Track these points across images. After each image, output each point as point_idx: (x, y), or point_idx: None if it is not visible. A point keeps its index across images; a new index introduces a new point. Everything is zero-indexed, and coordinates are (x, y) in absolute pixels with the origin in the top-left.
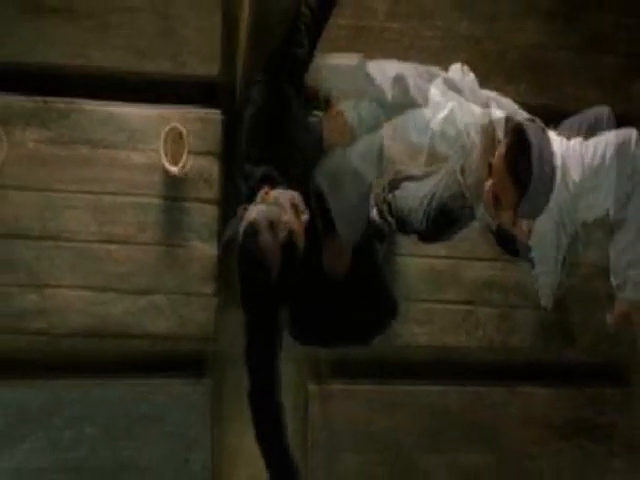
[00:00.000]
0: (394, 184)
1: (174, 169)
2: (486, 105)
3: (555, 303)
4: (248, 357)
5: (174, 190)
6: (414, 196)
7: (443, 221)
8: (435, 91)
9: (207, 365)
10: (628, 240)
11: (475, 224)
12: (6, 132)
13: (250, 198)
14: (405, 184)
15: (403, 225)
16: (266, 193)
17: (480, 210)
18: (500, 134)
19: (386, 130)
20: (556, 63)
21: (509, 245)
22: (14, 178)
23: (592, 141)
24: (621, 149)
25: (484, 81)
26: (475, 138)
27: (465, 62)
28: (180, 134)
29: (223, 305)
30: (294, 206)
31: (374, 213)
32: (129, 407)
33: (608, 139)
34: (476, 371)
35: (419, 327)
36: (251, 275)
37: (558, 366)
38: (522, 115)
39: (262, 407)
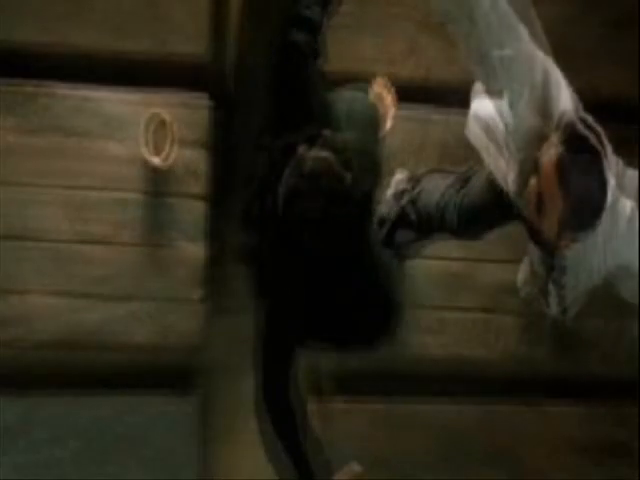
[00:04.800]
0: (417, 178)
1: (156, 160)
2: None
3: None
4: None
5: (157, 184)
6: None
7: (473, 217)
8: None
9: (194, 380)
10: None
11: None
12: None
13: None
14: (431, 179)
15: (428, 223)
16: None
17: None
18: (552, 123)
19: None
20: (584, 42)
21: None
22: None
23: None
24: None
25: None
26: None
27: None
28: (163, 121)
29: (212, 312)
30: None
31: (383, 210)
32: (105, 427)
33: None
34: (495, 386)
35: (431, 337)
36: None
37: (586, 381)
38: (577, 109)
39: (274, 400)
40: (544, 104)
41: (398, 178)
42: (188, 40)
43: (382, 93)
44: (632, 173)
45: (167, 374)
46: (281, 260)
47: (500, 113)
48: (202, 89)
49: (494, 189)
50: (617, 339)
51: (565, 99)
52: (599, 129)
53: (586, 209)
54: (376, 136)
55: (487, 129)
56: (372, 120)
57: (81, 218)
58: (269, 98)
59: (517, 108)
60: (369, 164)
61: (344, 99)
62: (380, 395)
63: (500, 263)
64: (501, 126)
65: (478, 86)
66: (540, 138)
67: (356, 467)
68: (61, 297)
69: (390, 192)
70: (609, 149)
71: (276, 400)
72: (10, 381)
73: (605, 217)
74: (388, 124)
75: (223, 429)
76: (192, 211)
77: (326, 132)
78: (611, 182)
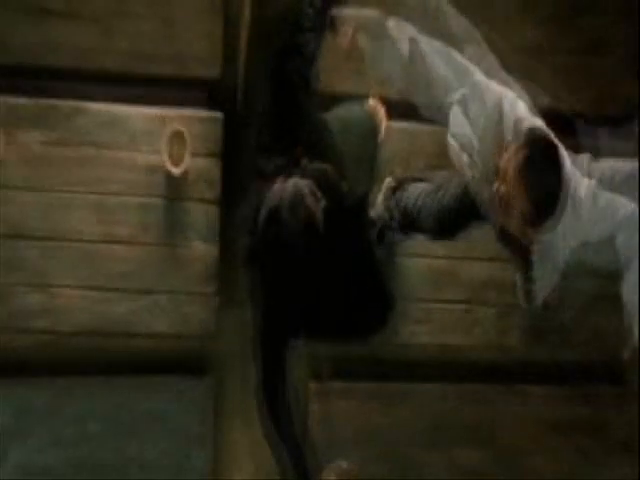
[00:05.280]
0: (403, 183)
1: (176, 170)
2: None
3: (548, 303)
4: (264, 347)
5: (176, 191)
6: (425, 195)
7: (452, 220)
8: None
9: (208, 363)
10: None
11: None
12: (13, 134)
13: (263, 191)
14: (415, 185)
15: (411, 224)
16: (284, 181)
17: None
18: (508, 135)
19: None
20: (551, 66)
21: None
22: (20, 179)
23: (601, 162)
24: (631, 179)
25: None
26: (484, 130)
27: None
28: (182, 135)
29: (224, 304)
30: (312, 192)
31: (375, 212)
32: (132, 404)
33: (618, 165)
34: (474, 369)
35: (418, 326)
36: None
37: (554, 364)
38: (535, 121)
39: (273, 398)
40: (499, 124)
41: (388, 184)
42: (203, 65)
43: (376, 107)
44: (603, 164)
45: (184, 359)
46: (280, 261)
47: (470, 133)
48: (215, 107)
49: (467, 195)
50: (587, 329)
51: (521, 112)
52: (550, 132)
53: (547, 200)
54: (376, 140)
55: (463, 146)
56: (371, 125)
57: (108, 221)
58: (264, 121)
59: (478, 133)
60: (368, 167)
61: (344, 109)
62: (374, 377)
63: (479, 261)
64: (474, 142)
65: (456, 108)
66: (500, 149)
67: (343, 465)
68: (91, 290)
69: (380, 197)
70: (562, 147)
71: (275, 401)
72: (50, 363)
73: (566, 206)
74: (382, 134)
75: (232, 406)
76: (206, 214)
77: (304, 162)
78: (568, 171)
